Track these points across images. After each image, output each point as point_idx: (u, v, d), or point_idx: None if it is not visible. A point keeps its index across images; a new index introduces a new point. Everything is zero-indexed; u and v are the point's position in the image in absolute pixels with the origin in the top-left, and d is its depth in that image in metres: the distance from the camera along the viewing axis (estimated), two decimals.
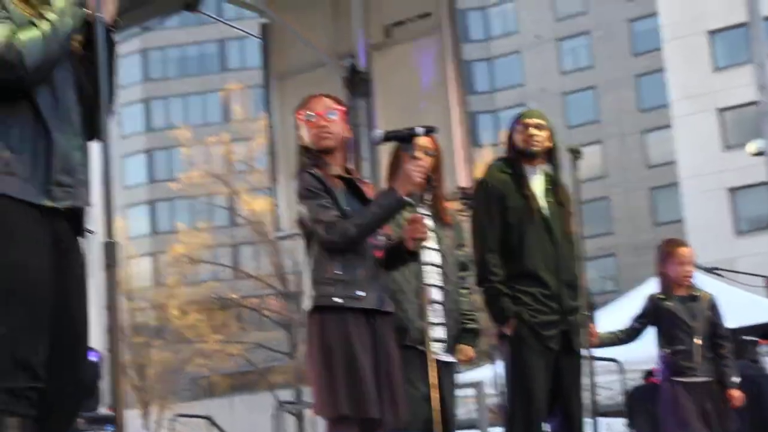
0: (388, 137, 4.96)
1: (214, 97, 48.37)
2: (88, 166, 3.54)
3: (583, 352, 5.99)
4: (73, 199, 3.44)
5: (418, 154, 5.05)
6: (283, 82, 11.02)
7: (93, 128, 3.57)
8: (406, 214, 5.04)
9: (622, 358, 10.21)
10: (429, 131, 4.89)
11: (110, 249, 3.30)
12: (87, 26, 3.49)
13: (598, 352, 7.86)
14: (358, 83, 10.65)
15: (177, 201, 47.21)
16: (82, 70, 3.58)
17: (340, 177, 4.85)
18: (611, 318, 10.62)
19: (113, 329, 3.26)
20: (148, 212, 50.01)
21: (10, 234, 3.29)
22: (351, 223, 4.65)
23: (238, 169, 41.10)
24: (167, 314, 39.33)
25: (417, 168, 4.72)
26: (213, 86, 48.61)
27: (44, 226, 3.37)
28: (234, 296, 40.14)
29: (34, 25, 3.35)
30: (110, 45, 3.52)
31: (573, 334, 5.88)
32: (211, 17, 13.26)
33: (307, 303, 4.73)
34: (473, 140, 41.37)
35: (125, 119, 50.25)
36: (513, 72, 50.52)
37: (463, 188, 9.74)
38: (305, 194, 4.75)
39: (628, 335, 7.64)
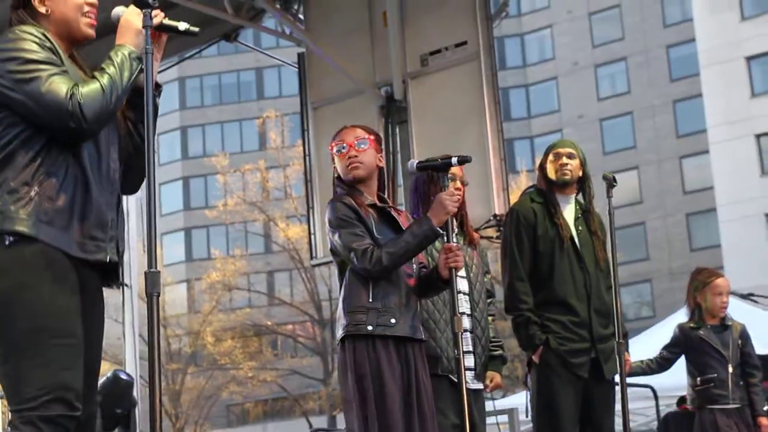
0: (423, 167, 4.99)
1: (250, 124, 48.61)
2: (121, 222, 3.76)
3: (616, 379, 5.98)
4: (104, 254, 3.62)
5: (452, 183, 5.10)
6: (319, 111, 11.11)
7: (127, 183, 3.80)
8: (438, 243, 5.06)
9: (656, 385, 10.15)
10: (463, 161, 4.91)
11: (152, 278, 3.40)
12: (135, 89, 3.66)
13: (631, 379, 7.86)
14: (394, 111, 10.71)
15: (213, 228, 47.39)
16: (124, 127, 3.78)
17: (373, 206, 4.88)
18: (647, 344, 10.58)
19: (153, 356, 3.30)
20: (184, 239, 50.17)
21: (49, 277, 3.47)
22: (384, 251, 4.68)
23: (274, 196, 41.25)
24: (202, 341, 39.41)
25: (451, 198, 4.74)
26: (250, 114, 48.86)
27: (73, 273, 3.55)
28: (268, 323, 40.23)
29: (95, 78, 3.53)
30: (155, 106, 3.68)
31: (603, 362, 5.88)
32: (249, 47, 13.39)
33: (339, 331, 4.76)
34: (510, 167, 41.37)
35: (162, 147, 50.55)
36: (550, 98, 50.46)
37: (498, 215, 9.76)
38: (338, 223, 4.79)
39: (660, 365, 7.64)
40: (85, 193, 3.54)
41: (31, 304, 3.43)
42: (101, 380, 10.14)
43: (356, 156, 4.89)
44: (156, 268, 3.39)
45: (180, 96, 52.04)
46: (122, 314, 11.80)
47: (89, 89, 3.47)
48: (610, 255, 6.02)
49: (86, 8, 3.68)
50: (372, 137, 5.00)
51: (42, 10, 3.67)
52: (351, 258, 4.73)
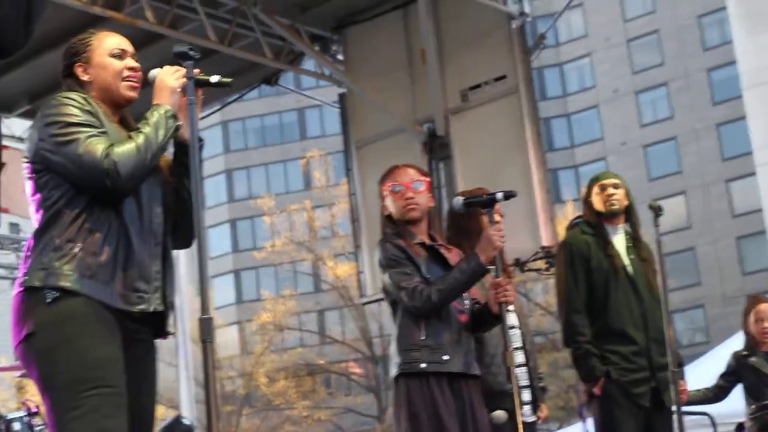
0: (469, 203, 5.01)
1: (295, 165, 48.82)
2: (168, 274, 3.83)
3: (674, 408, 5.96)
4: (147, 304, 3.71)
5: (497, 218, 5.13)
6: (362, 150, 11.21)
7: (179, 237, 3.90)
8: (489, 278, 5.08)
9: (713, 412, 10.05)
10: (509, 196, 4.93)
11: (205, 324, 3.44)
12: (178, 144, 3.83)
13: (688, 407, 7.81)
14: (437, 147, 10.78)
15: (262, 269, 47.54)
16: (169, 184, 3.88)
17: (423, 245, 4.92)
18: (702, 370, 10.49)
19: (211, 402, 3.36)
20: (234, 281, 50.38)
21: (91, 329, 3.58)
22: (433, 289, 4.72)
23: (321, 235, 41.38)
24: (255, 382, 39.47)
25: (498, 233, 4.78)
26: (293, 154, 49.08)
27: (117, 325, 3.65)
28: (321, 362, 40.23)
29: (131, 138, 3.67)
30: (188, 158, 3.77)
31: (663, 391, 5.87)
32: (290, 89, 13.54)
33: (393, 370, 4.79)
34: (555, 197, 41.27)
35: (208, 191, 50.85)
36: (592, 127, 50.31)
37: (546, 247, 9.78)
38: (387, 263, 4.83)
39: (716, 394, 7.60)
40: (127, 247, 3.65)
41: (72, 356, 3.53)
42: (162, 424, 10.23)
43: (413, 198, 4.95)
44: (209, 314, 3.44)
45: (224, 140, 52.40)
46: (176, 358, 11.90)
47: (124, 149, 3.60)
48: (656, 287, 6.02)
49: (126, 73, 3.83)
50: (427, 179, 5.05)
51: (85, 78, 3.83)
52: (401, 297, 4.78)
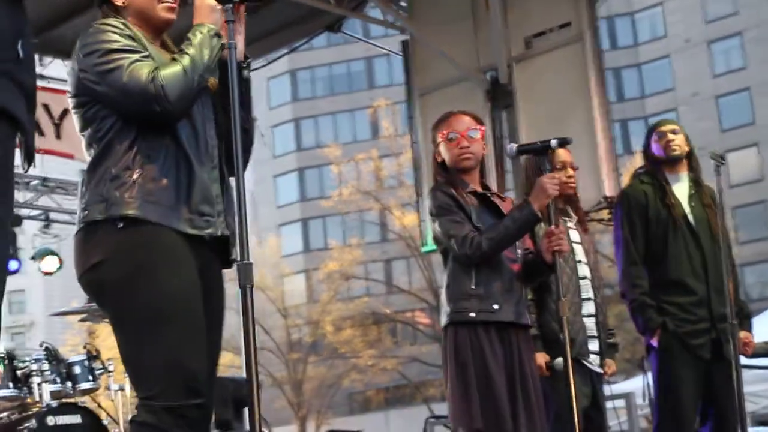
0: (523, 150, 4.96)
1: (362, 114, 48.78)
2: (229, 197, 3.71)
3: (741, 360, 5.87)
4: (214, 228, 3.62)
5: (572, 171, 5.08)
6: (425, 97, 11.12)
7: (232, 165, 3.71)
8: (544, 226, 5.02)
9: None
10: (563, 143, 4.85)
11: (245, 270, 3.34)
12: (221, 64, 3.65)
13: (754, 361, 7.70)
14: (500, 96, 10.68)
15: (329, 218, 47.70)
16: (219, 106, 3.75)
17: (474, 193, 4.87)
18: None
19: (249, 351, 3.34)
20: (301, 230, 50.61)
21: (166, 259, 3.49)
22: (484, 237, 4.67)
23: (387, 184, 41.37)
24: (322, 330, 39.75)
25: (551, 181, 4.70)
26: (361, 104, 49.01)
27: (191, 250, 3.55)
28: (387, 311, 40.37)
29: (176, 60, 3.54)
30: (242, 81, 3.67)
31: (724, 342, 5.76)
32: (355, 37, 13.46)
33: (443, 318, 4.77)
34: (625, 147, 40.84)
35: (276, 139, 51.04)
36: (663, 77, 49.61)
37: (609, 198, 9.66)
38: (437, 211, 4.80)
39: None
40: (188, 170, 3.56)
41: (149, 286, 3.45)
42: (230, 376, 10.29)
43: (468, 147, 4.90)
44: (248, 259, 3.33)
45: (292, 88, 52.46)
46: (237, 303, 11.94)
47: (170, 71, 3.49)
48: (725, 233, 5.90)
49: None
50: (483, 128, 4.99)
51: (119, 2, 3.72)
52: (452, 245, 4.74)
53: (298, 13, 11.65)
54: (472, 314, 4.68)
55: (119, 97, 3.49)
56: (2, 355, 7.25)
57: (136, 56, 3.51)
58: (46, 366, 7.35)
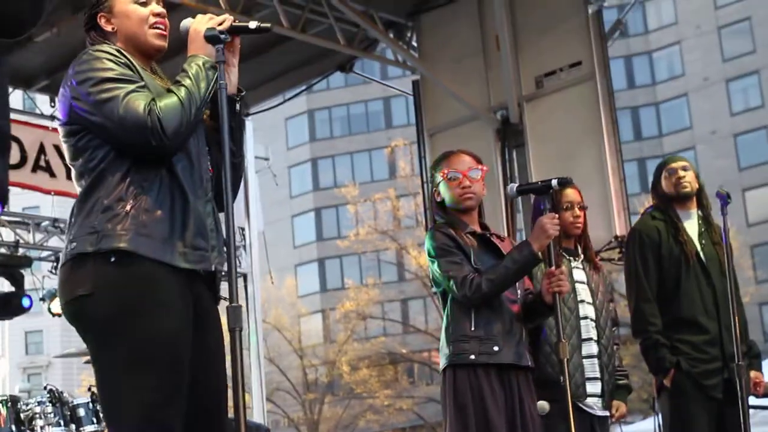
0: (523, 190, 4.91)
1: (379, 154, 48.83)
2: (220, 232, 3.60)
3: (752, 401, 5.77)
4: (208, 263, 3.51)
5: (578, 210, 5.04)
6: (435, 137, 11.11)
7: (221, 198, 3.62)
8: (544, 267, 4.96)
9: None
10: (564, 183, 4.80)
11: (234, 312, 3.27)
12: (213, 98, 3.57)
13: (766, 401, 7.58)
14: (510, 135, 10.65)
15: (346, 258, 47.65)
16: (213, 139, 3.67)
17: (474, 233, 4.82)
18: None
19: (238, 390, 3.24)
20: (318, 270, 50.57)
21: (156, 298, 3.37)
22: (484, 278, 4.62)
23: (404, 224, 41.36)
24: (338, 370, 39.62)
25: (551, 221, 4.65)
26: (378, 143, 49.08)
27: (184, 287, 3.44)
28: (404, 351, 40.24)
29: (172, 92, 3.45)
30: (234, 114, 3.61)
31: (736, 382, 5.67)
32: (364, 76, 13.48)
33: (442, 361, 4.71)
34: (643, 186, 40.72)
35: (294, 179, 51.13)
36: (681, 115, 49.54)
37: (619, 237, 9.60)
38: (437, 252, 4.75)
39: None
40: (183, 202, 3.46)
41: (133, 330, 3.32)
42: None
43: (470, 186, 4.85)
44: (237, 302, 3.27)
45: (309, 128, 52.60)
46: (248, 343, 11.96)
47: (167, 103, 3.39)
48: (733, 271, 5.81)
49: (152, 19, 3.62)
50: (485, 168, 4.94)
51: (109, 28, 3.64)
52: (451, 286, 4.69)
53: (310, 53, 11.68)
54: (473, 356, 4.62)
55: (115, 128, 3.39)
56: (5, 398, 7.22)
57: (132, 86, 3.42)
58: (49, 409, 7.31)
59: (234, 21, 3.57)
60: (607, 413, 5.57)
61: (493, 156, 10.54)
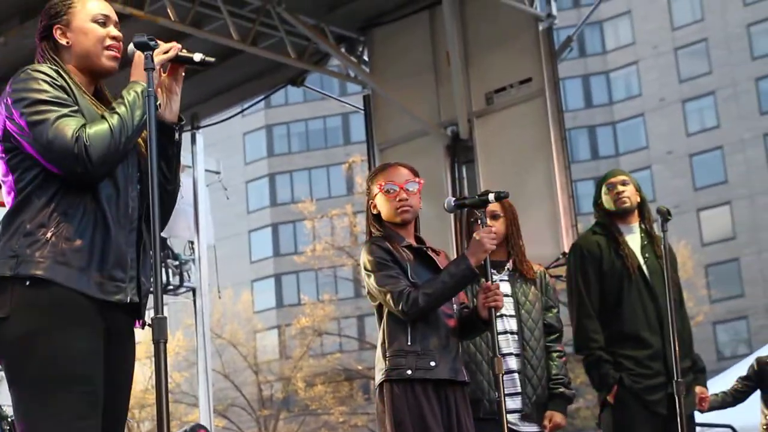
0: (460, 204, 4.88)
1: (337, 170, 48.79)
2: (144, 261, 3.62)
3: (697, 417, 5.76)
4: (124, 294, 3.51)
5: (489, 221, 4.98)
6: (386, 152, 11.09)
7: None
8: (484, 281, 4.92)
9: (736, 423, 9.84)
10: (500, 197, 4.77)
11: (159, 324, 3.25)
12: (159, 125, 3.55)
13: (710, 417, 7.60)
14: (460, 151, 10.65)
15: (302, 274, 47.55)
16: (146, 165, 3.61)
17: (410, 247, 4.78)
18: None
19: (161, 403, 3.21)
20: (275, 285, 50.43)
21: (66, 322, 3.37)
22: (421, 292, 4.58)
23: (361, 240, 41.26)
24: (293, 386, 39.46)
25: (488, 235, 4.62)
26: (336, 159, 49.06)
27: (96, 315, 3.45)
28: (359, 368, 40.12)
29: (105, 118, 3.43)
30: (172, 142, 3.63)
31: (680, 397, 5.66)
32: (315, 90, 13.45)
33: (378, 376, 4.66)
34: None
35: (251, 194, 51.00)
36: (637, 135, 49.90)
37: (567, 254, 9.60)
38: (372, 266, 4.71)
39: (734, 397, 7.46)
40: (104, 233, 3.45)
41: (47, 349, 3.32)
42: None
43: (407, 199, 4.80)
44: (163, 314, 3.24)
45: (267, 143, 52.52)
46: (196, 357, 11.87)
47: (96, 130, 3.38)
48: (672, 288, 5.78)
49: (108, 41, 3.61)
50: (421, 181, 4.90)
51: (63, 42, 3.61)
52: (388, 301, 4.65)
53: (261, 67, 11.63)
54: (409, 371, 4.57)
55: (42, 151, 3.38)
56: None
57: (64, 110, 3.40)
58: None
59: (180, 50, 3.55)
60: (534, 428, 5.48)
61: (443, 172, 10.54)
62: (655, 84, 49.32)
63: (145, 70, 3.44)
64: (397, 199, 4.79)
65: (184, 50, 3.57)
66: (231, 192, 14.48)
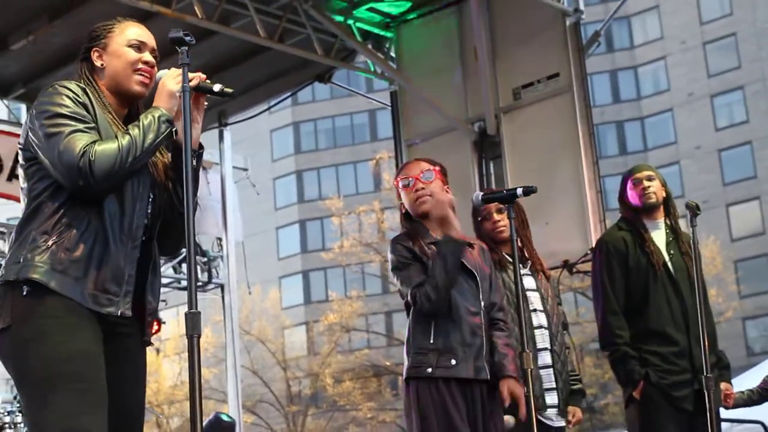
0: (488, 199, 4.89)
1: (364, 166, 48.82)
2: (152, 279, 3.74)
3: (723, 413, 5.74)
4: (116, 307, 3.61)
5: (496, 214, 5.03)
6: (413, 148, 11.07)
7: (166, 243, 3.82)
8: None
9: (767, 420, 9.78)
10: (528, 192, 4.77)
11: (193, 319, 3.35)
12: (176, 149, 3.73)
13: (740, 413, 7.56)
14: (488, 147, 10.62)
15: (330, 270, 47.59)
16: (162, 187, 3.78)
17: (436, 243, 4.78)
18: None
19: (195, 398, 3.26)
20: (302, 282, 50.48)
21: (65, 324, 3.49)
22: (427, 287, 4.58)
23: (389, 236, 41.29)
24: (321, 382, 39.53)
25: (442, 195, 4.69)
26: (363, 156, 49.09)
27: (94, 322, 3.57)
28: (387, 363, 40.15)
29: (117, 138, 3.57)
30: (193, 169, 3.67)
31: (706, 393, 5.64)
32: (342, 86, 13.44)
33: (404, 373, 4.67)
34: None
35: (279, 191, 51.07)
36: (666, 130, 49.67)
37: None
38: (394, 265, 4.75)
39: (761, 395, 7.39)
40: (103, 248, 3.57)
41: (44, 351, 3.46)
42: (205, 421, 10.17)
43: (423, 188, 4.82)
44: (197, 309, 3.35)
45: (295, 140, 52.57)
46: (225, 354, 11.92)
47: (104, 148, 3.51)
48: (702, 283, 5.77)
49: (140, 65, 3.75)
50: (437, 168, 4.91)
51: (98, 64, 3.77)
52: (408, 301, 4.68)
53: (288, 64, 11.65)
54: (429, 369, 4.59)
55: (52, 162, 3.53)
56: None
57: (80, 126, 3.55)
58: (19, 418, 7.30)
59: (202, 80, 3.65)
60: (563, 423, 5.52)
61: (470, 168, 10.52)
62: (683, 79, 49.06)
63: (180, 65, 3.58)
64: (414, 191, 4.81)
65: (207, 81, 3.67)
66: (258, 189, 14.52)
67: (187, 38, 3.57)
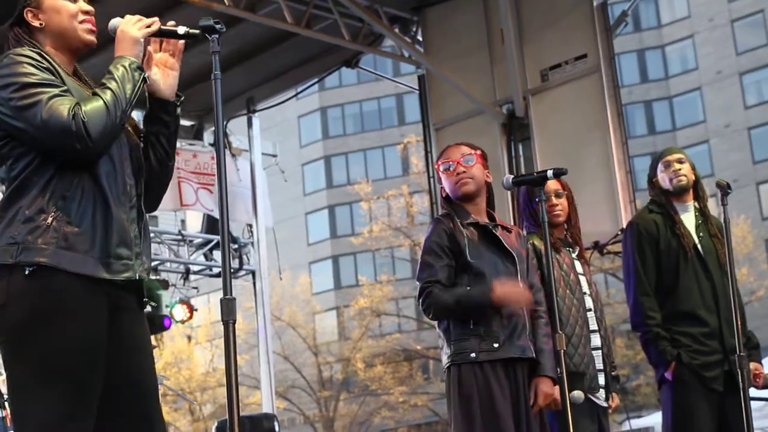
0: (518, 182, 4.90)
1: (392, 150, 48.78)
2: (145, 239, 3.59)
3: (753, 392, 5.74)
4: (132, 272, 3.48)
5: (555, 198, 5.02)
6: (441, 132, 11.09)
7: (148, 200, 3.65)
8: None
9: None
10: (559, 173, 4.78)
11: (228, 305, 3.30)
12: (152, 98, 3.62)
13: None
14: (516, 129, 10.61)
15: (360, 255, 47.64)
16: (136, 142, 3.64)
17: (476, 224, 4.80)
18: None
19: (231, 382, 3.24)
20: (332, 267, 50.56)
21: (69, 311, 3.32)
22: (434, 299, 4.63)
23: (418, 221, 41.30)
24: (353, 367, 39.61)
25: (523, 294, 4.70)
26: (391, 140, 49.07)
27: (101, 296, 3.41)
28: (418, 347, 40.20)
29: (97, 95, 3.40)
30: (173, 118, 3.65)
31: (737, 374, 5.64)
32: (369, 71, 13.47)
33: (444, 360, 4.69)
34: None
35: (307, 177, 51.12)
36: (694, 109, 49.38)
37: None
38: (425, 247, 4.76)
39: None
40: (105, 211, 3.41)
41: (43, 338, 3.28)
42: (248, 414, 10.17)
43: (465, 171, 4.86)
44: (231, 295, 3.28)
45: (322, 126, 52.59)
46: (257, 340, 11.96)
47: (92, 107, 3.34)
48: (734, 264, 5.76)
49: (81, 16, 3.57)
50: (478, 152, 4.95)
51: (36, 24, 3.56)
52: (419, 289, 4.76)
53: (315, 49, 11.67)
54: (473, 354, 4.61)
55: (38, 134, 3.31)
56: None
57: (55, 90, 3.35)
58: None
59: (162, 24, 3.56)
60: (606, 404, 5.55)
61: (499, 150, 10.52)
62: (711, 57, 48.73)
63: (213, 53, 3.43)
64: (455, 174, 4.85)
65: (169, 24, 3.57)
66: (287, 175, 14.55)
67: (218, 26, 3.44)
